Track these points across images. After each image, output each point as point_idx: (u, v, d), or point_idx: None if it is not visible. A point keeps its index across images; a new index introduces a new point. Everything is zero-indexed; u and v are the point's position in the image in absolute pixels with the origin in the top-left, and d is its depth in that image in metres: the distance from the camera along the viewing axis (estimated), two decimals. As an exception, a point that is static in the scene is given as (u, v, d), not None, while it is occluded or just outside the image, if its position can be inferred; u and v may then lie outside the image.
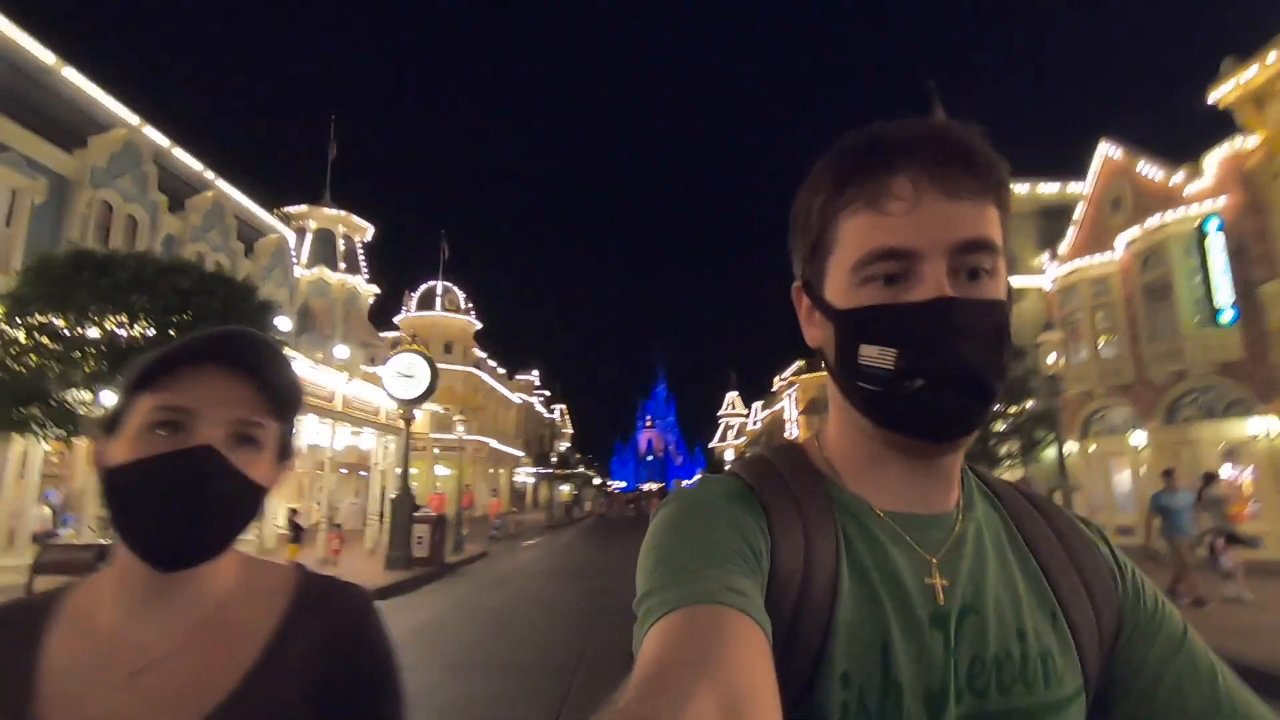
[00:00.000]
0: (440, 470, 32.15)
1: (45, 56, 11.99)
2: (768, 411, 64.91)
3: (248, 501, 0.71)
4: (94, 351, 7.03)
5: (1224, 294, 13.12)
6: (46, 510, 11.75)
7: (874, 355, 0.58)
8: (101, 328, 7.12)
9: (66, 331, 6.96)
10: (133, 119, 13.65)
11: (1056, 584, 0.63)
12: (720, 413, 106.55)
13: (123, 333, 7.18)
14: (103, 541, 8.04)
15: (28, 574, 7.53)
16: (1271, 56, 12.10)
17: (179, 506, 0.66)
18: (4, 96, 10.94)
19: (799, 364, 45.54)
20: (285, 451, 0.77)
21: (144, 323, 7.14)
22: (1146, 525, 8.30)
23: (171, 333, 7.25)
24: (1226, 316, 13.08)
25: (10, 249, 11.03)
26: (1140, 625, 0.63)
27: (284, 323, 10.49)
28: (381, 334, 30.66)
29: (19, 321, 6.83)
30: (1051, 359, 11.08)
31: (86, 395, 7.17)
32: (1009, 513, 0.68)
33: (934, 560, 0.60)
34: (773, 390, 61.26)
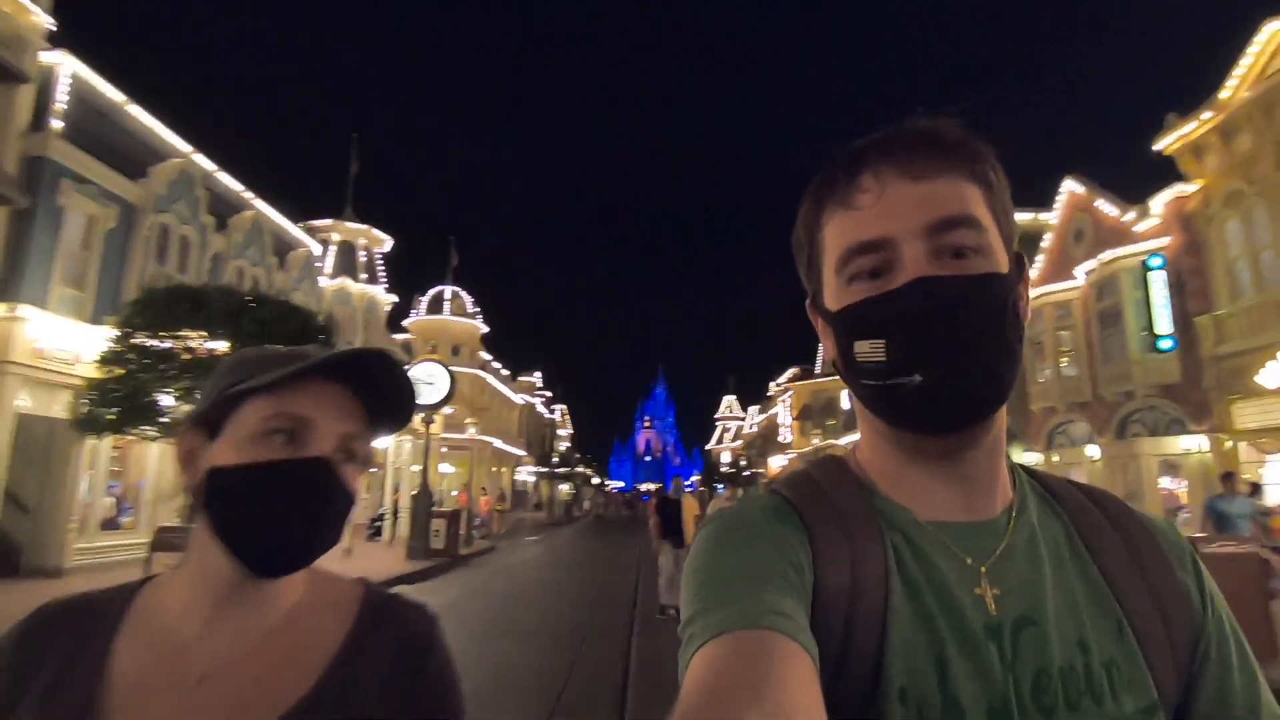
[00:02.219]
0: (444, 468, 33.53)
1: (115, 95, 13.44)
2: (763, 415, 66.30)
3: (346, 513, 0.73)
4: (187, 367, 8.50)
5: (1164, 324, 14.60)
6: (110, 500, 13.21)
7: (867, 350, 0.58)
8: (192, 350, 8.60)
9: (166, 348, 8.43)
10: (186, 147, 15.09)
11: (1121, 593, 0.59)
12: (718, 415, 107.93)
13: (210, 346, 8.67)
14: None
15: (148, 551, 8.97)
16: (1206, 114, 13.59)
17: (293, 513, 0.67)
18: (84, 134, 12.39)
19: (793, 371, 46.93)
20: (367, 461, 0.77)
21: (230, 345, 8.63)
22: (1205, 534, 7.61)
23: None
24: (1166, 344, 14.56)
25: (87, 269, 12.50)
26: (1213, 644, 0.59)
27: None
28: (391, 336, 32.07)
29: (130, 342, 8.30)
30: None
31: (176, 402, 8.64)
32: (1068, 514, 0.64)
33: (983, 569, 0.58)
34: (768, 395, 62.73)
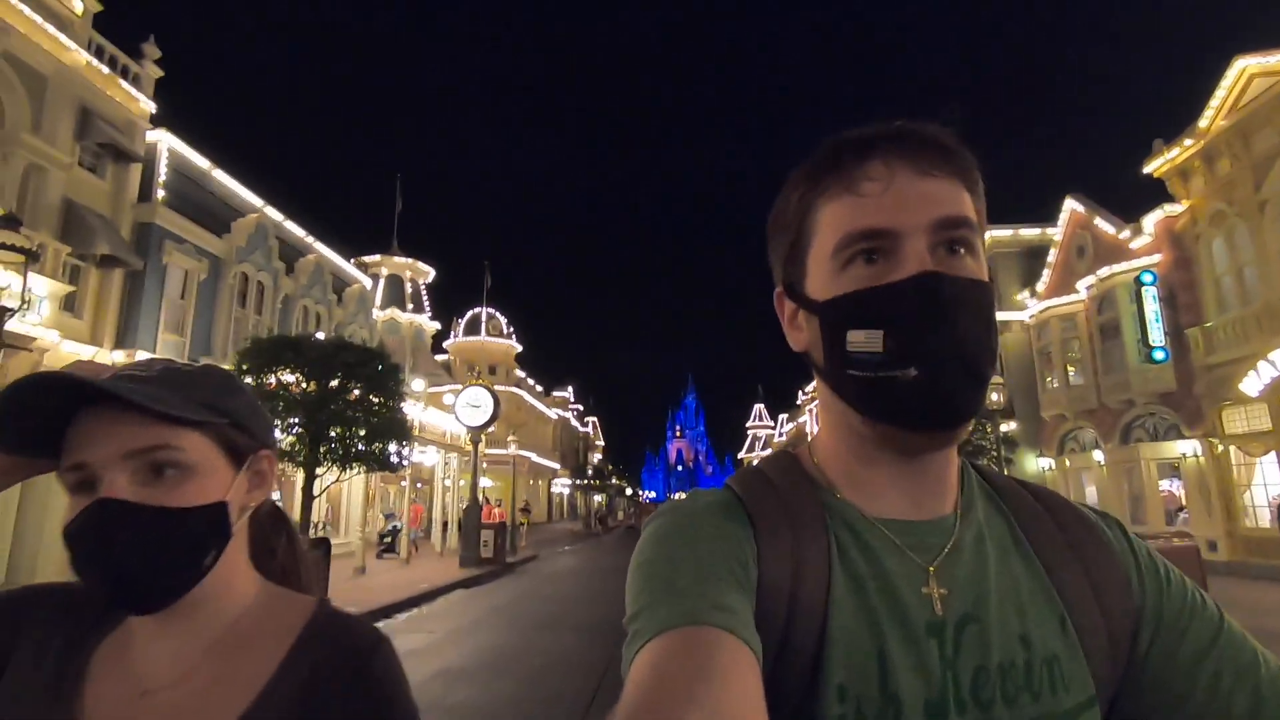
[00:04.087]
0: (484, 482, 35.24)
1: (202, 162, 15.40)
2: (792, 424, 67.05)
3: (182, 530, 0.66)
4: (288, 404, 10.19)
5: (1156, 335, 15.54)
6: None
7: (862, 340, 0.57)
8: (288, 389, 10.29)
9: (270, 389, 10.13)
10: (258, 202, 17.03)
11: (1062, 586, 0.60)
12: (748, 424, 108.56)
13: (302, 385, 10.34)
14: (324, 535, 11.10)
15: None
16: (1189, 141, 14.60)
17: (101, 567, 0.64)
18: (179, 198, 14.34)
19: (820, 380, 47.68)
20: (238, 450, 0.72)
21: (316, 386, 10.30)
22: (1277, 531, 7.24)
23: (333, 384, 10.42)
24: (1159, 355, 15.50)
25: (185, 317, 14.41)
26: (1166, 623, 0.59)
27: (418, 384, 13.56)
28: (435, 359, 34.00)
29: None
30: (995, 396, 13.71)
31: (281, 435, 10.31)
32: (1013, 512, 0.65)
33: (931, 568, 0.59)
34: (797, 404, 63.51)
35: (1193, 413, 15.03)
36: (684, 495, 0.66)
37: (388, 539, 19.58)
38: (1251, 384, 12.76)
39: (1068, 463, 19.55)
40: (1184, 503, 15.64)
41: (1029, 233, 22.08)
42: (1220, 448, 14.24)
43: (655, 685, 0.45)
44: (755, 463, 0.70)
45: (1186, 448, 15.12)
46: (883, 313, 0.57)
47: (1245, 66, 13.15)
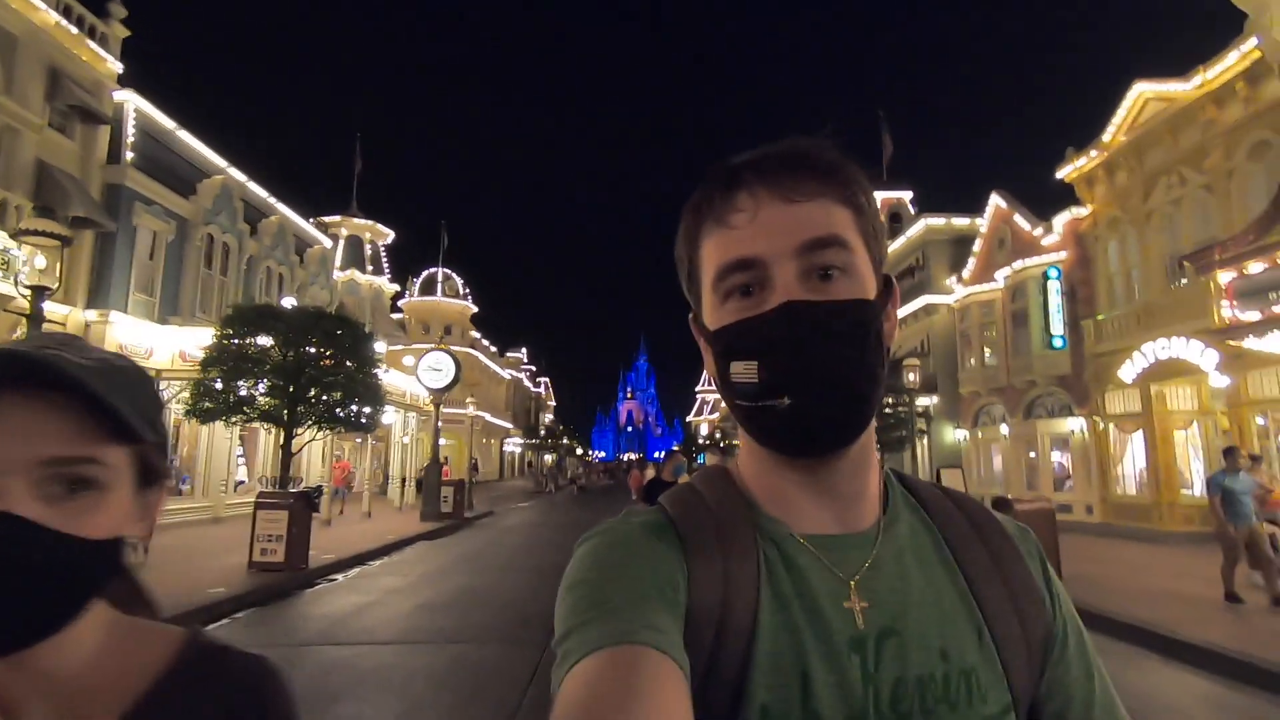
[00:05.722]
0: (440, 442, 36.01)
1: (167, 123, 15.53)
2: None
3: (79, 563, 0.53)
4: (267, 367, 10.98)
5: (1057, 325, 17.49)
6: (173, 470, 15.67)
7: (741, 371, 0.59)
8: (270, 355, 11.07)
9: (253, 352, 10.89)
10: (222, 163, 17.22)
11: (983, 598, 0.61)
12: (698, 388, 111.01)
13: (282, 350, 11.14)
14: (307, 489, 11.92)
15: (252, 510, 11.40)
16: (1094, 152, 16.29)
17: None
18: (147, 160, 14.55)
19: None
20: (150, 476, 0.60)
21: (296, 352, 11.11)
22: (1212, 510, 7.64)
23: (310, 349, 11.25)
24: (1058, 342, 17.47)
25: (154, 277, 14.78)
26: (1059, 641, 0.63)
27: (380, 346, 14.34)
28: (394, 319, 34.26)
29: (222, 347, 10.75)
30: (911, 377, 15.40)
31: (263, 396, 11.13)
32: (937, 524, 0.66)
33: (852, 583, 0.59)
34: (745, 371, 65.51)
35: (1081, 394, 17.08)
36: (615, 519, 0.64)
37: (317, 499, 19.61)
38: (1127, 371, 14.71)
39: (980, 435, 21.71)
40: (1070, 472, 17.84)
41: (960, 222, 23.84)
42: (1101, 425, 16.33)
43: (586, 703, 0.45)
44: (689, 479, 0.71)
45: (1075, 424, 17.22)
46: (754, 344, 0.58)
47: (1142, 91, 14.78)
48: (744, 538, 0.61)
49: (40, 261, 6.64)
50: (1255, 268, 9.28)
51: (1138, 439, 15.48)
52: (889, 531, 0.64)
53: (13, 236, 6.69)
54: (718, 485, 0.67)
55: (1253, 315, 9.45)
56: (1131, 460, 15.75)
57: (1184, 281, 13.87)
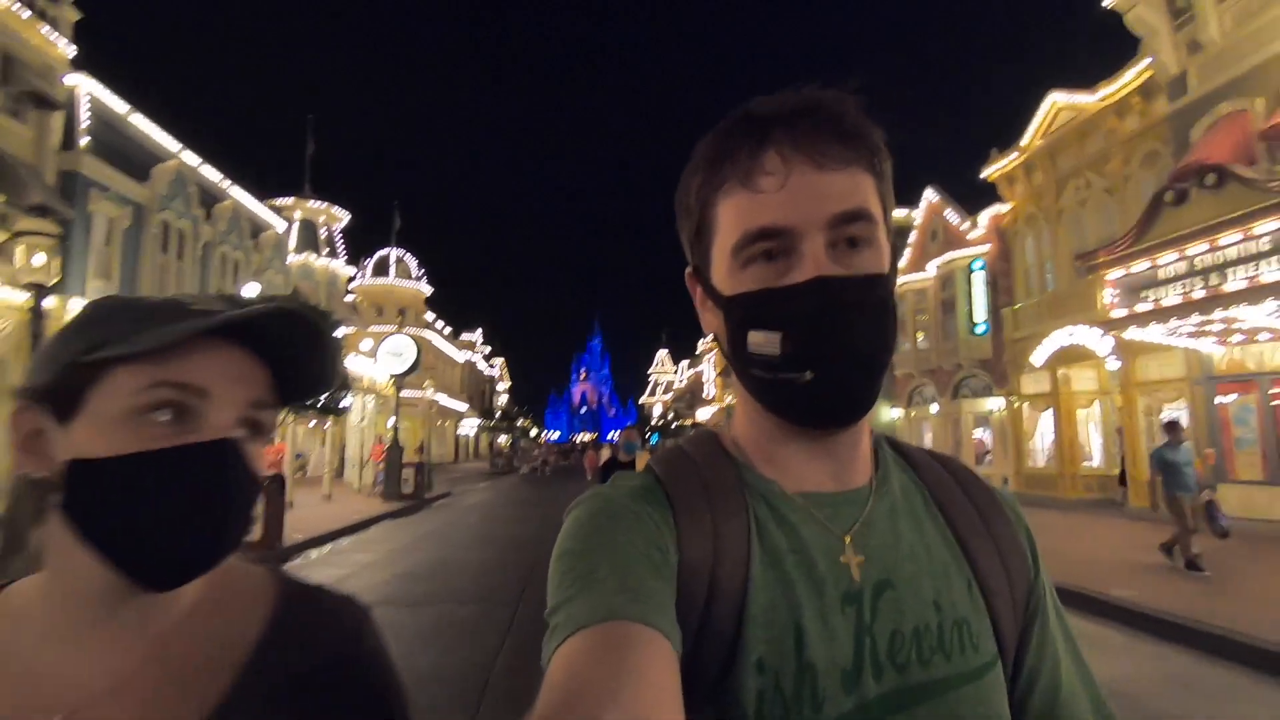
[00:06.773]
0: (391, 422, 36.10)
1: (121, 107, 15.41)
2: (692, 370, 70.83)
3: (255, 502, 0.59)
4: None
5: (980, 313, 19.05)
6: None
7: (761, 342, 0.58)
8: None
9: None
10: (175, 146, 17.12)
11: (972, 552, 0.63)
12: (650, 370, 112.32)
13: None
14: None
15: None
16: (1014, 154, 17.71)
17: (193, 515, 0.52)
18: (101, 145, 14.50)
19: (718, 332, 50.72)
20: (270, 434, 0.63)
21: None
22: (1151, 484, 7.92)
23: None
24: (981, 329, 19.03)
25: (110, 263, 14.80)
26: (1040, 601, 0.66)
27: (339, 331, 14.70)
28: (347, 303, 34.02)
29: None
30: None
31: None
32: (926, 483, 0.68)
33: (847, 538, 0.60)
34: (697, 353, 67.13)
35: (1001, 376, 18.70)
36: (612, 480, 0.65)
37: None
38: (1038, 355, 16.26)
39: (913, 413, 23.35)
40: (989, 448, 19.53)
41: (899, 213, 25.25)
42: (1017, 404, 17.97)
43: (572, 685, 0.45)
44: (678, 442, 0.70)
45: (995, 404, 18.86)
46: (780, 315, 0.58)
47: (1055, 100, 16.19)
48: (732, 494, 0.62)
49: (39, 259, 7.02)
50: (1139, 267, 10.63)
51: (1047, 417, 17.14)
52: (881, 488, 0.65)
53: (12, 237, 7.03)
54: (706, 447, 0.68)
55: (1121, 312, 10.90)
56: (1041, 436, 17.43)
57: (1089, 275, 15.44)
